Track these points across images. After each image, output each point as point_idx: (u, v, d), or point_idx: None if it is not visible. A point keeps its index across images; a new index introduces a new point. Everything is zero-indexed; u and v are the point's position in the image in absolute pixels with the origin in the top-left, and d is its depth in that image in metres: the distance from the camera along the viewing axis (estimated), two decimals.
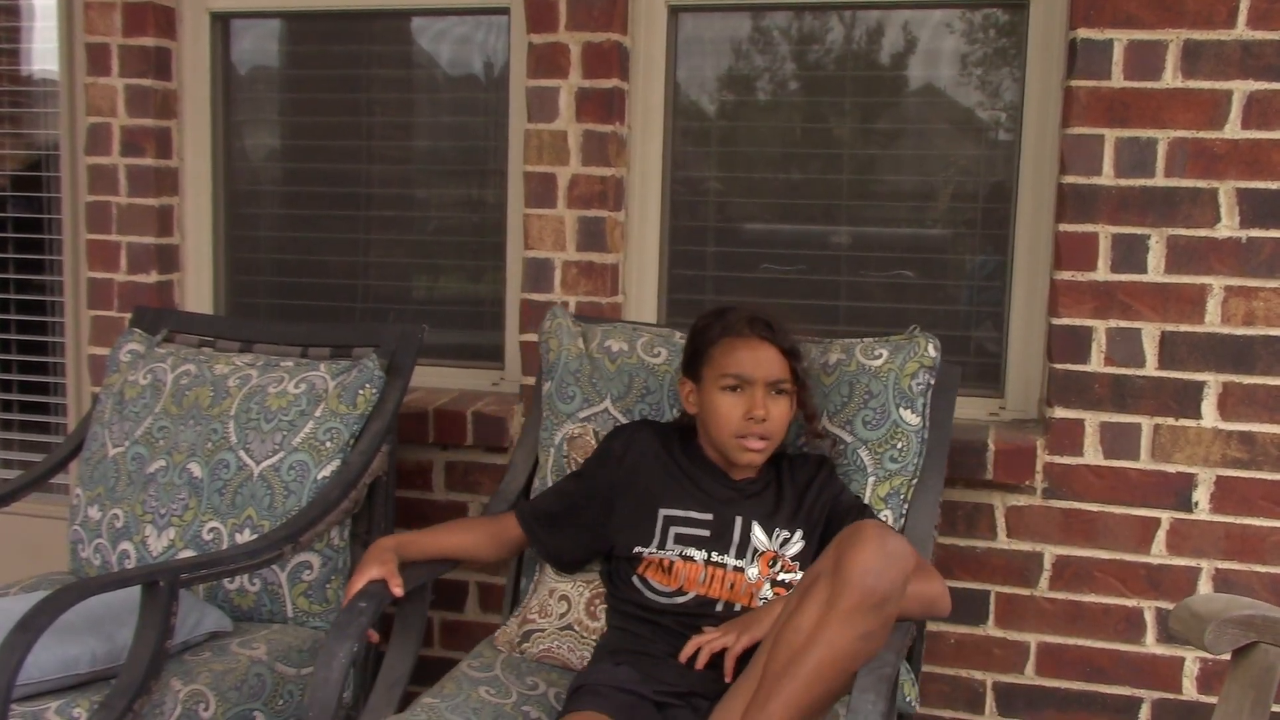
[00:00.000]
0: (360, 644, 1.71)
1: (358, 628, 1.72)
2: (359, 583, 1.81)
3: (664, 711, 1.72)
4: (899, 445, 1.99)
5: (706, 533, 1.87)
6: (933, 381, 2.02)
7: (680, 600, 1.84)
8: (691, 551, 1.86)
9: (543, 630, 2.01)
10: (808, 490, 1.92)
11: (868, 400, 2.02)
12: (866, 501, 1.97)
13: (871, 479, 1.99)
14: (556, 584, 2.05)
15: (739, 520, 1.87)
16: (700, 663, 1.73)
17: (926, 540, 1.99)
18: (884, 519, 1.95)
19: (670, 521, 1.89)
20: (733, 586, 1.83)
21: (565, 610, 2.02)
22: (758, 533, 1.87)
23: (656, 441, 1.97)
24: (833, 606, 1.51)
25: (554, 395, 2.19)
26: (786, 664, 1.53)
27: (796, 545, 1.88)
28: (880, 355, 2.04)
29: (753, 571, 1.84)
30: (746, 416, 1.84)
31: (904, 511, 1.99)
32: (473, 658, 2.02)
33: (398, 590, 1.81)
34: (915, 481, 2.01)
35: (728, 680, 1.69)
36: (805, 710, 1.51)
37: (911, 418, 2.00)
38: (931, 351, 2.02)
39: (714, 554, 1.85)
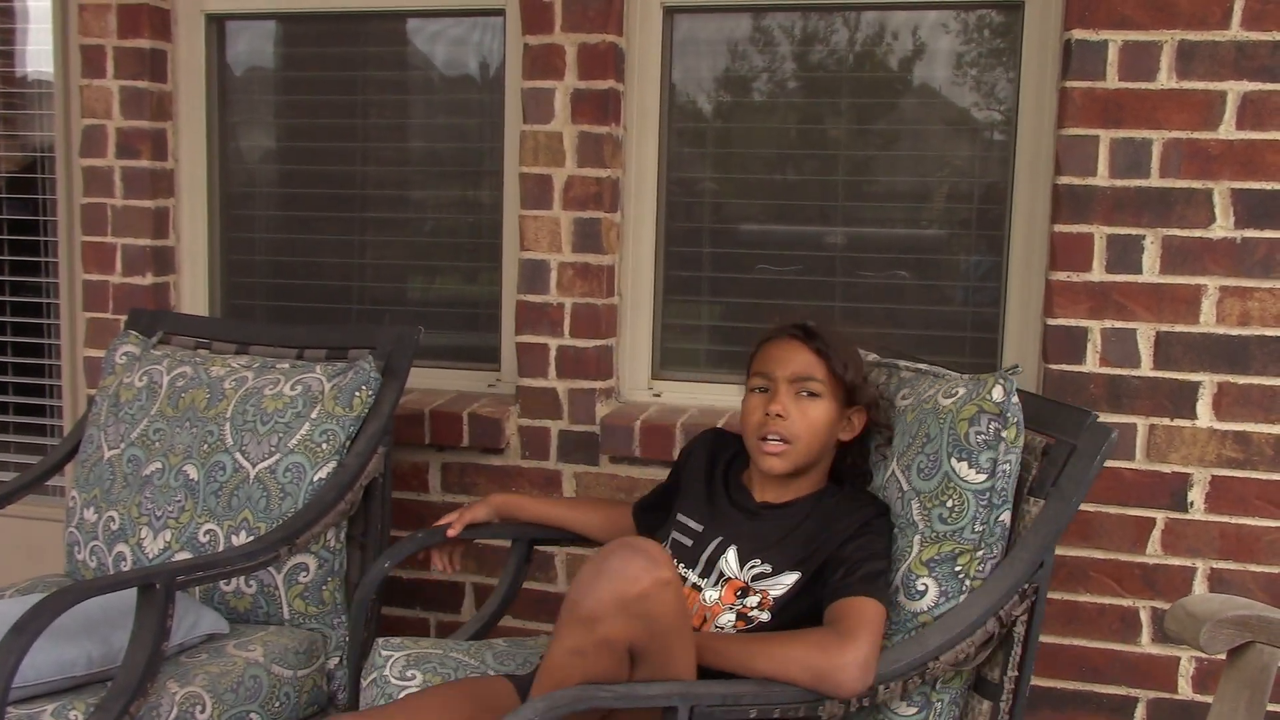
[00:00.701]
0: (396, 561, 1.99)
1: (400, 549, 1.99)
2: (443, 520, 2.03)
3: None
4: (949, 503, 1.68)
5: (689, 543, 1.84)
6: (1003, 432, 1.66)
7: None
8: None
9: None
10: (825, 531, 1.74)
11: (925, 444, 1.74)
12: (906, 564, 1.71)
13: (918, 537, 1.70)
14: None
15: (717, 541, 1.80)
16: None
17: (959, 629, 1.62)
18: (924, 588, 1.68)
19: (675, 526, 1.88)
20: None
21: None
22: (729, 558, 1.77)
23: (710, 450, 1.96)
24: (558, 617, 1.51)
25: None
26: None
27: (782, 585, 1.72)
28: (955, 394, 1.73)
29: (711, 595, 1.75)
30: (765, 412, 1.78)
31: (964, 588, 1.66)
32: None
33: (451, 531, 2.01)
34: (984, 555, 1.67)
35: None
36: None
37: (969, 473, 1.66)
38: (995, 395, 1.67)
39: (682, 566, 1.81)
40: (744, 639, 1.64)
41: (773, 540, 1.77)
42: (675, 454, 2.22)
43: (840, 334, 1.85)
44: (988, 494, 1.67)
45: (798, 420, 1.78)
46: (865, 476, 1.88)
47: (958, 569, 1.67)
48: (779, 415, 1.77)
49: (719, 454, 1.95)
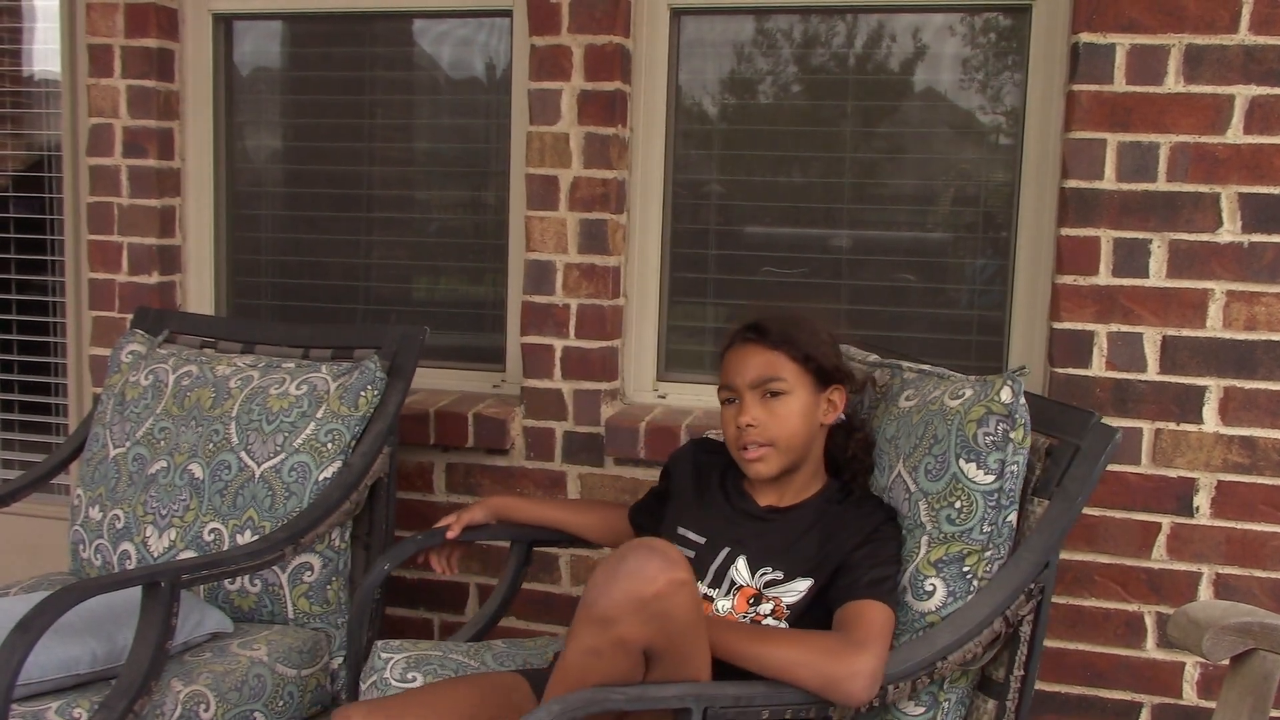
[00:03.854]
0: (396, 563, 1.99)
1: (401, 551, 2.00)
2: (441, 523, 2.04)
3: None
4: (957, 504, 1.68)
5: (692, 554, 1.80)
6: (1011, 433, 1.66)
7: None
8: None
9: None
10: (836, 536, 1.73)
11: (932, 446, 1.73)
12: (913, 565, 1.70)
13: (926, 538, 1.71)
14: None
15: (725, 551, 1.78)
16: None
17: (968, 629, 1.64)
18: (932, 589, 1.68)
19: (678, 540, 1.85)
20: None
21: None
22: (740, 567, 1.75)
23: (694, 462, 1.94)
24: (574, 617, 1.50)
25: None
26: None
27: (795, 592, 1.70)
28: (962, 395, 1.73)
29: (723, 604, 1.73)
30: (736, 425, 1.78)
31: (972, 588, 1.67)
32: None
33: (451, 533, 2.02)
34: (991, 555, 1.67)
35: None
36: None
37: (977, 474, 1.67)
38: (1005, 396, 1.67)
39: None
40: (755, 633, 1.62)
41: (782, 547, 1.76)
42: None
43: (800, 321, 1.82)
44: (996, 495, 1.67)
45: (770, 423, 1.76)
46: (867, 469, 1.86)
47: (965, 569, 1.67)
48: (750, 425, 1.76)
49: (706, 464, 1.93)
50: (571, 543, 2.15)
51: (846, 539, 1.72)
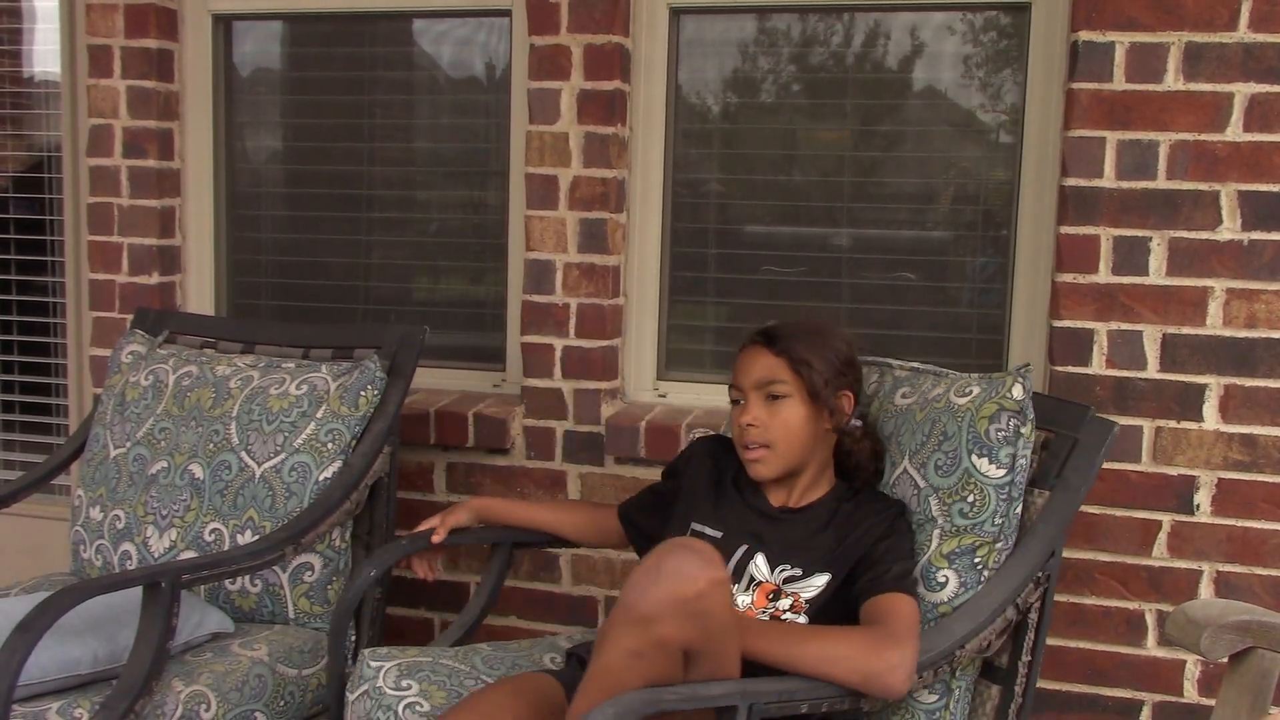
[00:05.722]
0: (381, 570, 1.98)
1: (387, 556, 1.99)
2: (423, 526, 2.04)
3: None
4: (969, 499, 1.74)
5: None
6: (1022, 429, 1.73)
7: None
8: None
9: None
10: (852, 532, 1.76)
11: (941, 442, 1.79)
12: (925, 558, 1.76)
13: (937, 531, 1.76)
14: None
15: (743, 547, 1.80)
16: None
17: (982, 617, 1.67)
18: (944, 580, 1.74)
19: (694, 535, 1.86)
20: None
21: None
22: (759, 562, 1.78)
23: (713, 458, 1.95)
24: (610, 618, 1.49)
25: None
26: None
27: (814, 587, 1.74)
28: (969, 393, 1.80)
29: (743, 599, 1.76)
30: (739, 425, 1.83)
31: (982, 578, 1.72)
32: (569, 636, 2.08)
33: (436, 537, 2.02)
34: (1001, 547, 1.73)
35: None
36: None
37: (990, 469, 1.73)
38: (1016, 393, 1.74)
39: None
40: (789, 631, 1.62)
41: (799, 543, 1.79)
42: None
43: (809, 329, 1.85)
44: (1007, 488, 1.73)
45: (771, 424, 1.80)
46: (875, 474, 1.88)
47: (976, 560, 1.73)
48: (750, 424, 1.80)
49: (723, 461, 1.94)
50: (553, 543, 2.13)
51: (865, 533, 1.75)
